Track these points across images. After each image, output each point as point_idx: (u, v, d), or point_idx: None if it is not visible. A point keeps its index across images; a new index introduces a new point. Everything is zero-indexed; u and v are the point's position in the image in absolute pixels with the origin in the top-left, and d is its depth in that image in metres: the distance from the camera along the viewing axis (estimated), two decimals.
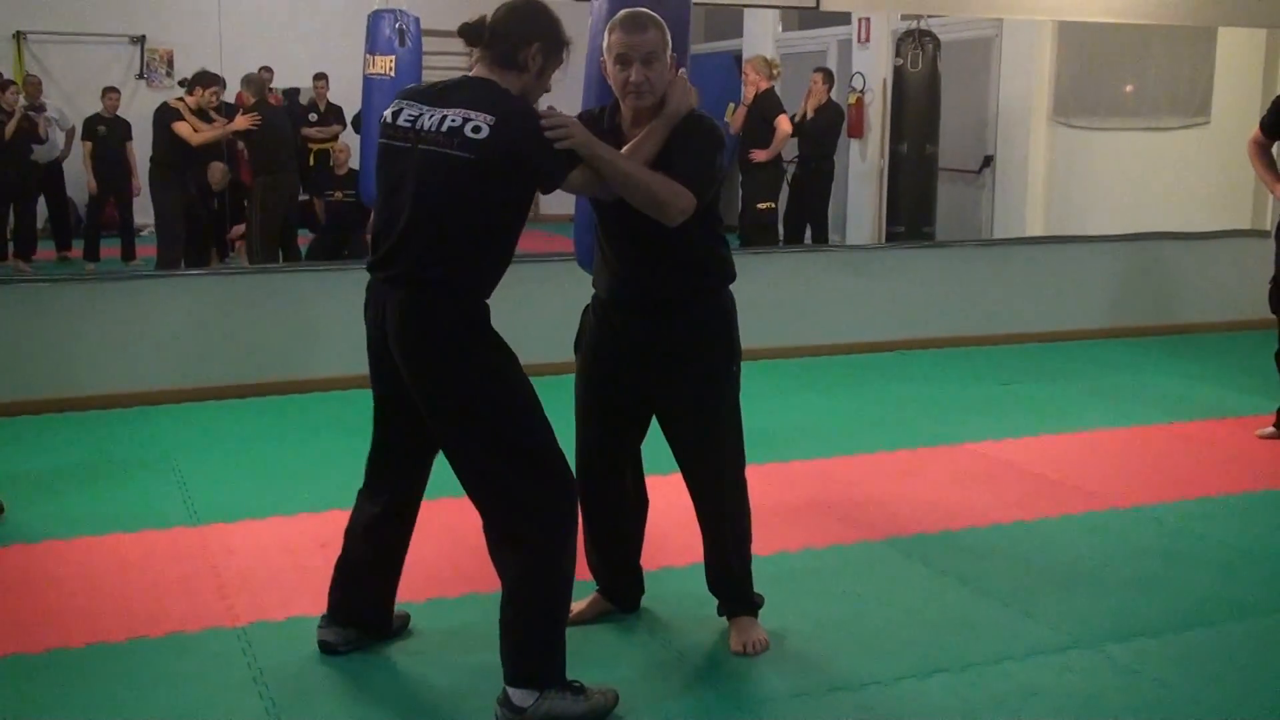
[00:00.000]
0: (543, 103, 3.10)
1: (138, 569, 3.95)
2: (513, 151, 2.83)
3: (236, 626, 3.50)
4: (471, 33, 2.97)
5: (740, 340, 3.32)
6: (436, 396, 2.91)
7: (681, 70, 3.18)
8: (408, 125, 2.92)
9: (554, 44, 2.98)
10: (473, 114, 2.83)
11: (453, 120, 2.84)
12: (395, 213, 2.92)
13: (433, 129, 2.86)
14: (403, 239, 2.89)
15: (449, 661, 3.28)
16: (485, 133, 2.81)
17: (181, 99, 8.23)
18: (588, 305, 3.39)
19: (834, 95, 8.89)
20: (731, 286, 3.31)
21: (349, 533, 3.28)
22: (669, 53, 3.11)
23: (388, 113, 2.99)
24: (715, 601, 3.45)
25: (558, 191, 2.97)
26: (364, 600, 3.30)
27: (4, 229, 9.00)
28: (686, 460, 3.35)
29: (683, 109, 3.09)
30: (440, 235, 2.87)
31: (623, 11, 3.13)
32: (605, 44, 3.11)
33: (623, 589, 3.56)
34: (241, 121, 8.17)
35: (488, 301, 2.96)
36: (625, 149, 3.04)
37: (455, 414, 2.91)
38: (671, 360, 3.22)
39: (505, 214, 2.92)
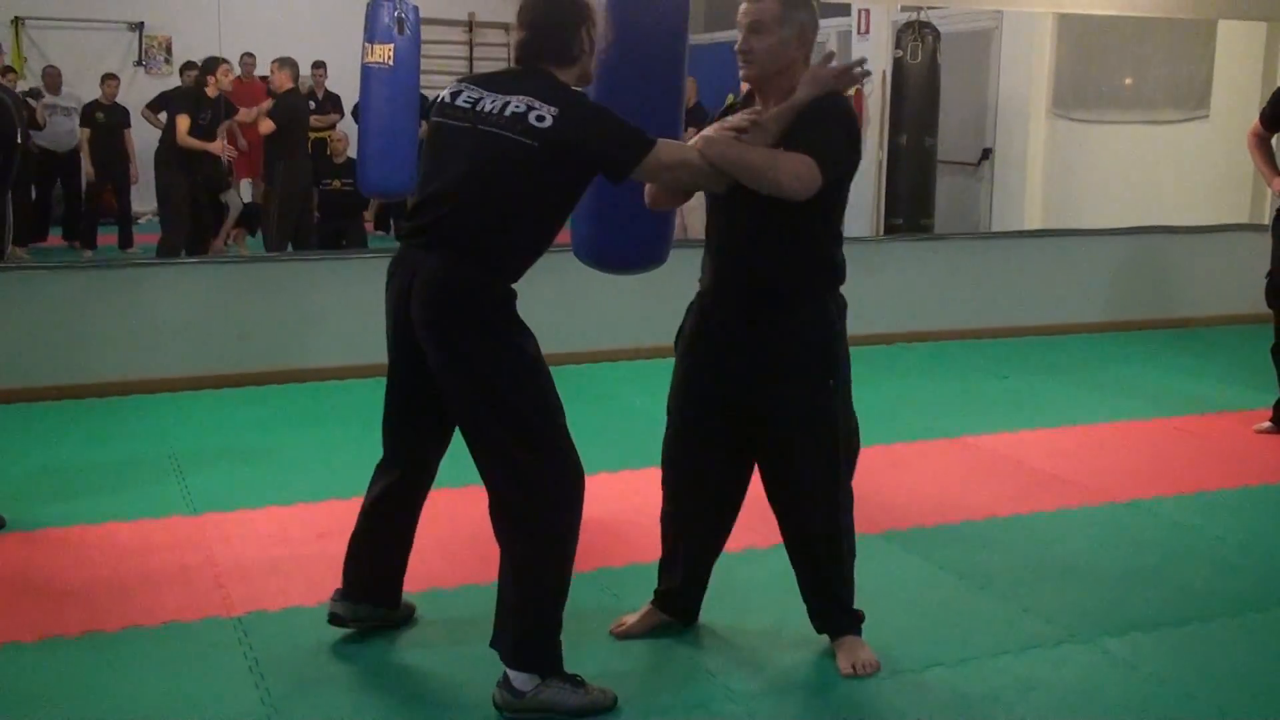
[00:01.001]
0: None
1: (134, 558, 3.95)
2: (576, 141, 2.87)
3: (233, 616, 3.50)
4: (533, 44, 2.97)
5: (846, 349, 3.17)
6: (455, 367, 2.91)
7: (830, 64, 3.05)
8: (467, 106, 2.96)
9: (591, 15, 3.02)
10: (536, 103, 2.87)
11: (516, 106, 2.88)
12: (444, 186, 2.94)
13: (494, 112, 2.90)
14: (450, 212, 2.91)
15: (446, 652, 3.28)
16: (549, 122, 2.85)
17: (199, 85, 8.27)
18: (693, 301, 3.27)
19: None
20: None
21: (363, 507, 3.28)
22: (794, 30, 3.03)
23: (445, 93, 3.04)
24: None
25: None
26: (376, 572, 3.30)
27: (6, 214, 8.99)
28: (771, 471, 3.23)
29: (805, 99, 2.99)
30: (487, 213, 2.90)
31: None
32: None
33: (687, 598, 3.39)
34: (219, 146, 8.26)
35: (514, 287, 2.97)
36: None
37: (471, 386, 2.91)
38: (767, 366, 3.10)
39: (553, 201, 2.98)
